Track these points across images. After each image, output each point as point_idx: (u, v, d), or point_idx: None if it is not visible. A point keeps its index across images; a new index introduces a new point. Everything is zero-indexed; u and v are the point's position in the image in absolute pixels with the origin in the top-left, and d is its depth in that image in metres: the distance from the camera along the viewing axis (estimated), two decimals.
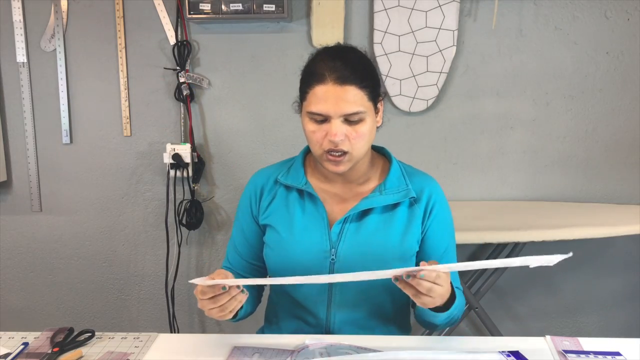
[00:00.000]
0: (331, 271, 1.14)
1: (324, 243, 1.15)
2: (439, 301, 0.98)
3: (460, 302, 1.13)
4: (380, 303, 1.18)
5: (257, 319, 1.34)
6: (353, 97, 1.06)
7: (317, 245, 1.15)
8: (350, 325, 1.18)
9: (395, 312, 1.21)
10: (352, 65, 1.08)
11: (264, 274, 1.28)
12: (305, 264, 1.15)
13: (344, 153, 1.09)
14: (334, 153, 1.09)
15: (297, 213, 1.17)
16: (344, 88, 1.06)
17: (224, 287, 0.98)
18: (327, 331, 1.18)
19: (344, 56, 1.10)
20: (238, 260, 1.26)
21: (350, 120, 1.07)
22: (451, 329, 1.97)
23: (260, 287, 1.30)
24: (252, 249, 1.25)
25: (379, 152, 1.25)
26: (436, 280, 0.94)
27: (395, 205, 1.16)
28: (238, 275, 1.24)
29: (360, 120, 1.08)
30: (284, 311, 1.24)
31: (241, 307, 1.12)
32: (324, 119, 1.08)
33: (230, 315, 1.04)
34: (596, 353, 1.02)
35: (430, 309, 1.05)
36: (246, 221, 1.24)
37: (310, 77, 1.09)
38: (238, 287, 1.00)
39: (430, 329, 1.21)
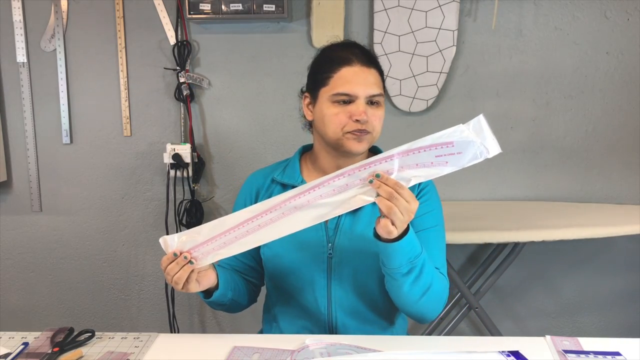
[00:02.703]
0: (329, 266, 1.16)
1: (321, 238, 1.16)
2: (402, 219, 0.95)
3: (436, 277, 1.09)
4: (376, 293, 1.18)
5: (257, 318, 1.34)
6: (375, 80, 1.13)
7: (315, 240, 1.16)
8: (352, 318, 1.18)
9: (389, 301, 1.21)
10: (371, 53, 1.18)
11: (259, 274, 1.28)
12: (303, 261, 1.16)
13: (366, 133, 1.12)
14: (357, 132, 1.11)
15: None
16: (369, 70, 1.13)
17: (175, 254, 1.01)
18: (330, 326, 1.19)
19: (360, 45, 1.18)
20: (233, 261, 1.26)
21: (372, 102, 1.12)
22: (451, 328, 1.97)
23: (255, 283, 1.30)
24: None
25: (371, 150, 1.27)
26: (396, 187, 0.94)
27: None
28: (234, 274, 1.25)
29: (378, 104, 1.14)
30: (284, 313, 1.23)
31: (217, 288, 1.11)
32: (348, 101, 1.11)
33: (182, 287, 1.02)
34: (596, 353, 1.02)
35: (389, 241, 1.00)
36: None
37: (333, 62, 1.13)
38: (185, 257, 1.01)
39: (404, 298, 1.09)
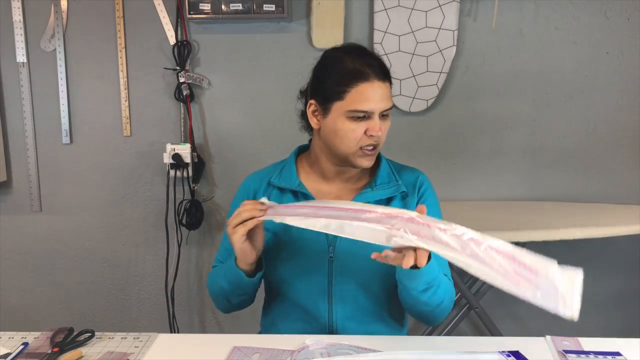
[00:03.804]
0: (330, 270, 1.15)
1: (321, 242, 1.16)
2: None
3: (447, 287, 1.11)
4: (377, 296, 1.18)
5: (257, 318, 1.34)
6: (389, 93, 1.12)
7: (315, 244, 1.16)
8: (352, 320, 1.18)
9: (391, 305, 1.21)
10: (383, 62, 1.14)
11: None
12: (304, 265, 1.16)
13: (374, 147, 1.13)
14: (369, 148, 1.12)
15: None
16: (385, 84, 1.11)
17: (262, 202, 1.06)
18: (330, 329, 1.18)
19: (372, 54, 1.15)
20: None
21: (384, 115, 1.12)
22: (451, 328, 1.97)
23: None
24: None
25: None
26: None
27: (388, 200, 1.18)
28: None
29: (388, 116, 1.14)
30: (283, 317, 1.22)
31: (259, 267, 1.13)
32: (363, 116, 1.10)
33: (236, 225, 1.04)
34: (596, 353, 1.02)
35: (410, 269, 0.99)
36: None
37: (350, 76, 1.09)
38: (263, 204, 1.06)
39: (416, 308, 1.12)
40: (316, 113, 1.16)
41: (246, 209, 1.05)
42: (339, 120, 1.11)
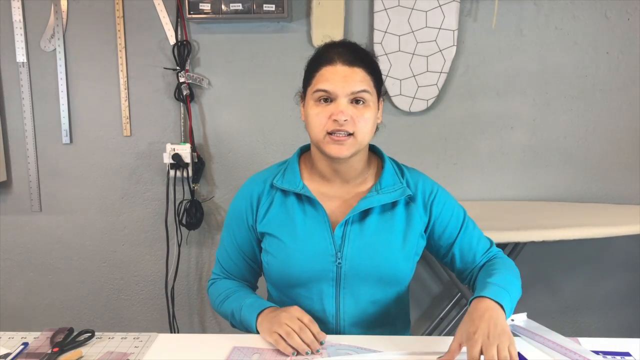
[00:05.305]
0: (338, 275, 1.14)
1: (328, 247, 1.13)
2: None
3: (512, 271, 1.23)
4: (384, 300, 1.17)
5: None
6: (360, 78, 1.09)
7: (322, 249, 1.13)
8: (359, 325, 1.17)
9: (397, 310, 1.21)
10: (361, 51, 1.13)
11: (258, 276, 1.29)
12: (312, 270, 1.14)
13: (349, 135, 1.09)
14: (339, 134, 1.08)
15: (298, 218, 1.15)
16: (352, 69, 1.09)
17: (322, 342, 1.04)
18: (337, 334, 1.17)
19: (352, 44, 1.15)
20: (232, 267, 1.26)
21: (356, 100, 1.09)
22: (451, 328, 1.97)
23: (254, 279, 1.29)
24: (246, 256, 1.24)
25: (372, 151, 1.24)
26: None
27: (393, 204, 1.17)
28: (240, 279, 1.26)
29: (365, 104, 1.10)
30: None
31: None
32: (329, 100, 1.09)
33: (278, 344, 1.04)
34: (605, 353, 1.01)
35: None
36: (240, 231, 1.22)
37: (317, 61, 1.12)
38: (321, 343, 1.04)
39: None
40: (303, 103, 1.18)
41: (302, 340, 1.03)
42: (309, 106, 1.12)
